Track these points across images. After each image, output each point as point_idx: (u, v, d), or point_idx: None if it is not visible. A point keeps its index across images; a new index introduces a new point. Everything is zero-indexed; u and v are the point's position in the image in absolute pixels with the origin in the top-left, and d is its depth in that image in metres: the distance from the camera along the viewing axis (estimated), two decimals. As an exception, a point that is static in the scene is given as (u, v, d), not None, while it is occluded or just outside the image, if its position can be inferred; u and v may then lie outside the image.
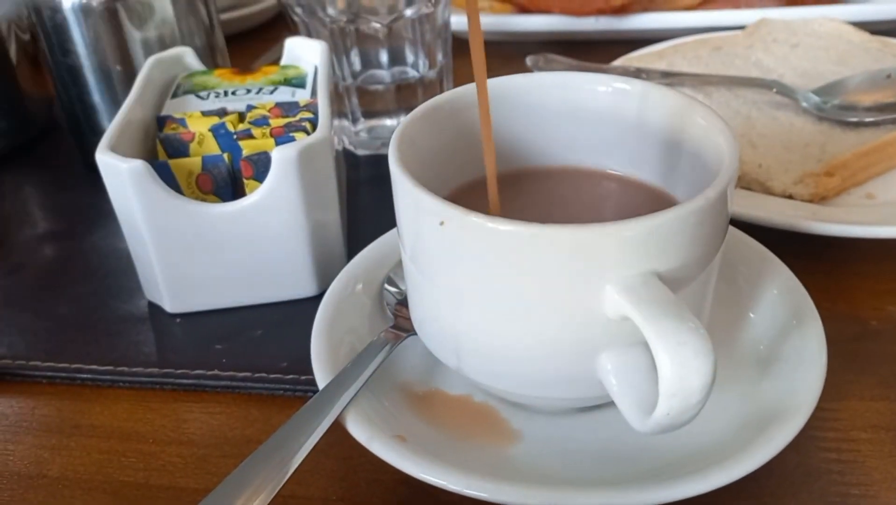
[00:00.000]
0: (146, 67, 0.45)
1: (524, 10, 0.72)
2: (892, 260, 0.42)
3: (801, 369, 0.30)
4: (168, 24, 0.51)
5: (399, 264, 0.37)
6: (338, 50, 0.51)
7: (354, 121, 0.54)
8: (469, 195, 0.33)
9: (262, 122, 0.40)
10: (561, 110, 0.35)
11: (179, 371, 0.37)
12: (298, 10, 0.51)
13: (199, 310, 0.40)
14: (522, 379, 0.29)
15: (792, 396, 0.29)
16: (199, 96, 0.44)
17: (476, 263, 0.27)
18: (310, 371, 0.32)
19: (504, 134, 0.35)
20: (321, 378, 0.31)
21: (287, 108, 0.42)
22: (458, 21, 0.71)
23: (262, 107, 0.42)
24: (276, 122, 0.40)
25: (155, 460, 0.33)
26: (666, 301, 0.24)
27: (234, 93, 0.44)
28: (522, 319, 0.27)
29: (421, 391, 0.33)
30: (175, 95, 0.44)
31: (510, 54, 0.69)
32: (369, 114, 0.54)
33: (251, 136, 0.39)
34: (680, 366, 0.23)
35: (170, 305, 0.40)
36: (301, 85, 0.45)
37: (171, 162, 0.37)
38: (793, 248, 0.38)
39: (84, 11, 0.48)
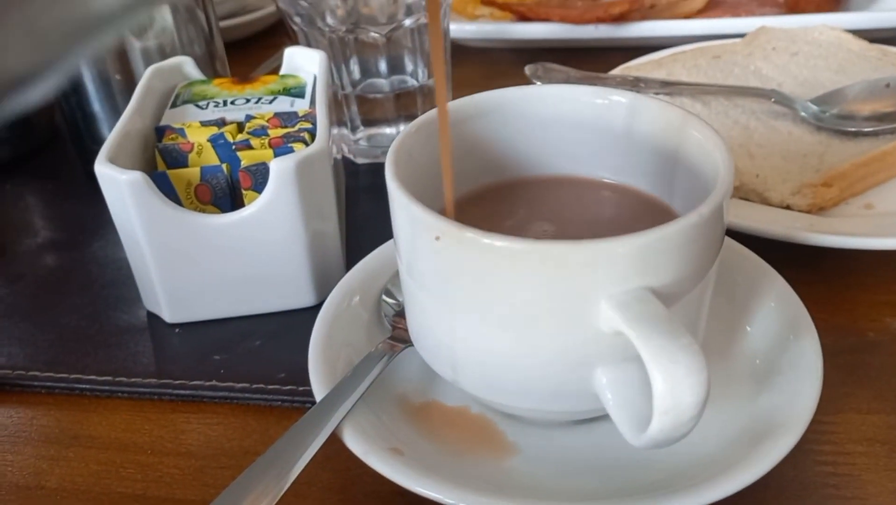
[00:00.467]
0: (146, 77, 0.45)
1: (524, 18, 0.72)
2: (890, 271, 0.42)
3: (798, 382, 0.30)
4: (168, 33, 0.51)
5: (397, 275, 0.37)
6: (337, 59, 0.51)
7: (354, 129, 0.54)
8: (466, 207, 0.34)
9: (260, 132, 0.40)
10: (558, 122, 0.35)
11: (178, 382, 0.37)
12: (297, 19, 0.51)
13: (198, 320, 0.40)
14: (518, 391, 0.29)
15: (788, 410, 0.29)
16: (198, 106, 0.44)
17: (471, 278, 0.27)
18: (308, 382, 0.32)
19: (502, 145, 0.35)
20: (318, 390, 0.31)
21: (286, 119, 0.42)
22: (457, 29, 0.71)
23: (260, 117, 0.42)
24: (275, 133, 0.40)
25: (153, 472, 0.33)
26: (659, 318, 0.24)
27: (233, 102, 0.44)
28: (518, 332, 0.27)
29: (418, 402, 0.33)
30: (174, 105, 0.44)
31: (510, 62, 0.69)
32: (369, 122, 0.54)
33: (250, 147, 0.39)
34: (672, 384, 0.23)
35: (168, 316, 0.40)
36: (300, 95, 0.45)
37: (170, 172, 0.38)
38: (790, 259, 0.38)
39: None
